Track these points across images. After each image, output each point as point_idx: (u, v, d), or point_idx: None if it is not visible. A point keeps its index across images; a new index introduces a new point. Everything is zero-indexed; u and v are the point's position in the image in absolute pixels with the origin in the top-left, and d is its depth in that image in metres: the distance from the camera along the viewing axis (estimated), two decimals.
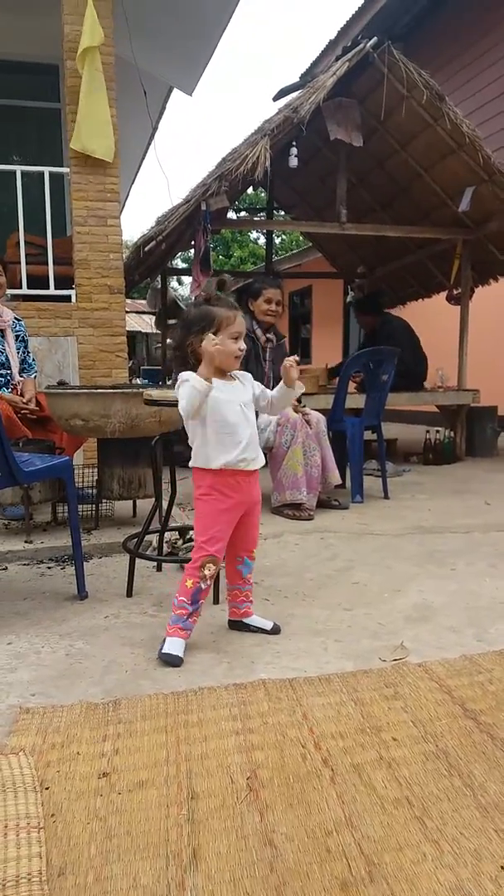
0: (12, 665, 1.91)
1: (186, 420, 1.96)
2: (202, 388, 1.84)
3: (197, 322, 1.92)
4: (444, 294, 6.46)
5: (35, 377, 3.81)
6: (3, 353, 3.63)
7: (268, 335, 4.02)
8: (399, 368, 4.45)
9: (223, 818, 1.23)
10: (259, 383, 2.12)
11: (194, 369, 1.89)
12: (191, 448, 2.01)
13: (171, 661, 1.89)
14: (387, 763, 1.40)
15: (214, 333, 1.89)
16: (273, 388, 2.12)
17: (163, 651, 1.92)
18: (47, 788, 1.32)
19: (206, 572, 1.95)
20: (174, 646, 1.93)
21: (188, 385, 1.86)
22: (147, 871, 1.11)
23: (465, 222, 5.73)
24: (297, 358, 2.17)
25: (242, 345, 1.98)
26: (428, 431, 5.87)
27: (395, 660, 1.90)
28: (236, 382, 2.04)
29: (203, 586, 1.96)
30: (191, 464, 2.02)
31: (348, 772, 1.37)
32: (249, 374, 2.11)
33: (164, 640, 1.96)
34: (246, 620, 2.14)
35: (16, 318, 3.77)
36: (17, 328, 3.76)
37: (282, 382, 2.08)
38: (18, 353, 3.72)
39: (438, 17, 8.20)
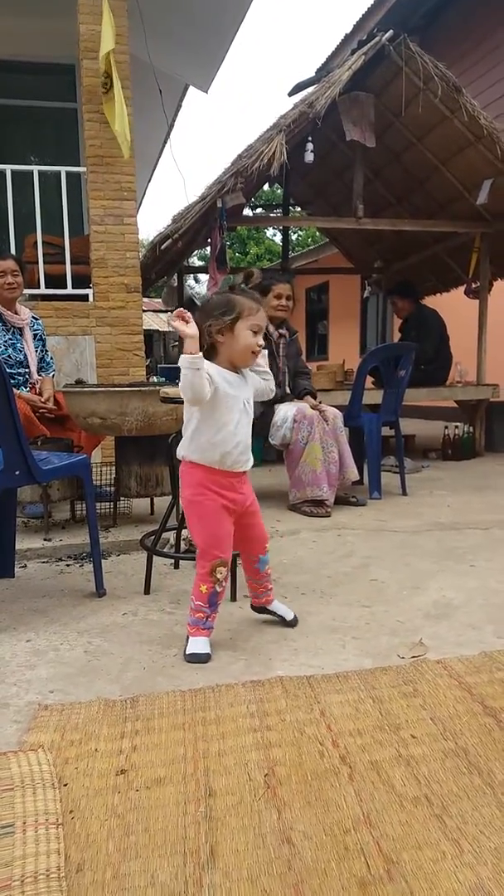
0: (31, 662, 1.92)
1: (191, 408, 1.89)
2: (190, 362, 1.73)
3: (218, 307, 1.85)
4: (462, 288, 6.40)
5: (53, 376, 3.83)
6: (21, 351, 3.65)
7: (280, 331, 3.99)
8: (423, 357, 4.42)
9: (241, 815, 1.23)
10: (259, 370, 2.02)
11: (208, 354, 1.84)
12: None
13: (200, 660, 1.88)
14: (405, 760, 1.39)
15: (234, 321, 1.83)
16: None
17: (188, 652, 1.90)
18: (65, 785, 1.32)
19: (219, 576, 1.93)
20: (200, 644, 1.91)
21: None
22: (165, 868, 1.11)
23: (484, 215, 5.68)
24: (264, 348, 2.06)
25: (261, 340, 1.91)
26: (447, 427, 5.82)
27: (414, 657, 1.89)
28: (243, 378, 1.98)
29: (218, 589, 1.95)
30: (181, 454, 1.95)
31: (366, 769, 1.36)
32: (252, 374, 2.02)
33: (187, 640, 1.94)
34: (269, 606, 2.15)
35: (34, 318, 3.79)
36: (36, 327, 3.78)
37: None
38: (37, 351, 3.74)
39: (453, 10, 8.12)
